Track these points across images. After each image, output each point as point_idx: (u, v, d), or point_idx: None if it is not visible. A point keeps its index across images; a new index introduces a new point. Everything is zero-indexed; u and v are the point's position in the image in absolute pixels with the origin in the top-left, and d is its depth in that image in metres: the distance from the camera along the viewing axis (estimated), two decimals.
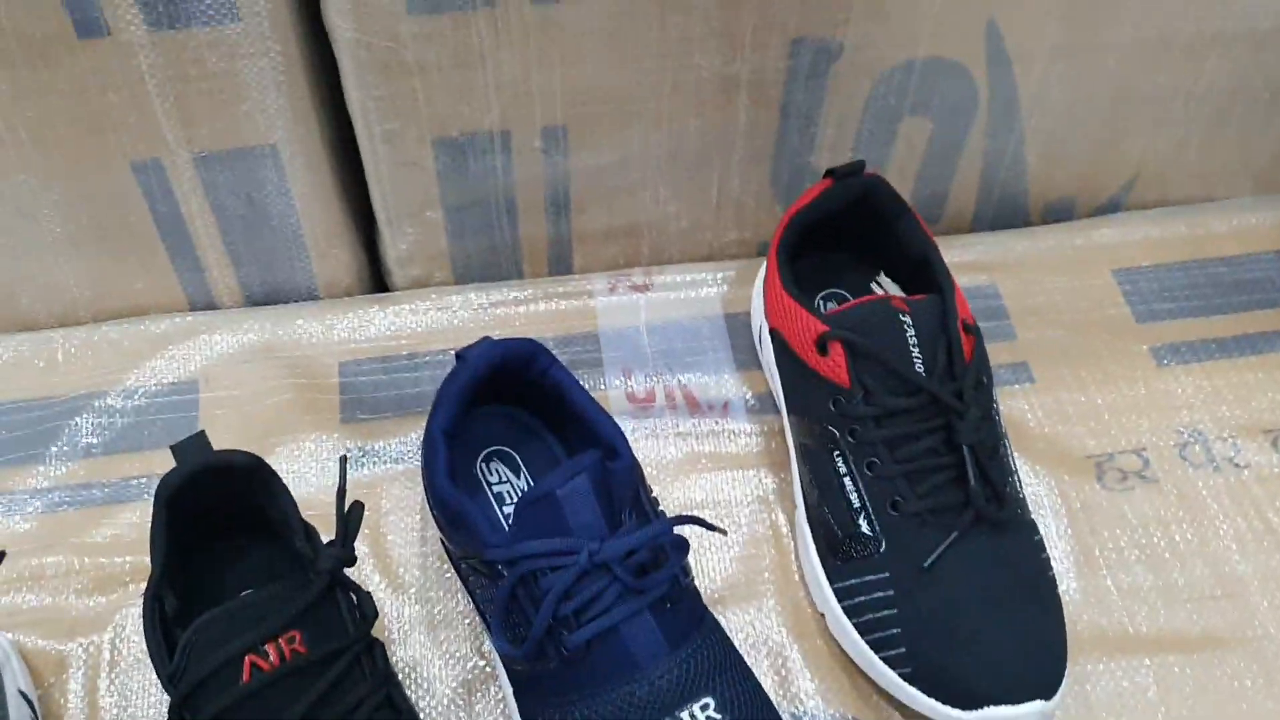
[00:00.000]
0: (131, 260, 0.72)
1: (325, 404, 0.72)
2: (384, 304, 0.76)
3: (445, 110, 0.67)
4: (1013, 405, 0.72)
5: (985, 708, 0.54)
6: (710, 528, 0.58)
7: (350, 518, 0.54)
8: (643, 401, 0.73)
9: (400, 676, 0.61)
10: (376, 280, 0.78)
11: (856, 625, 0.58)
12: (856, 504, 0.59)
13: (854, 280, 0.71)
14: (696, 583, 0.59)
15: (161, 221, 0.70)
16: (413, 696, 0.61)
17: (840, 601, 0.59)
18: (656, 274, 0.78)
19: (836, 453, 0.60)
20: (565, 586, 0.53)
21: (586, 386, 0.72)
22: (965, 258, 0.79)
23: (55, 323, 0.74)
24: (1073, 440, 0.70)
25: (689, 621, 0.56)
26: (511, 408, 0.66)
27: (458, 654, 0.63)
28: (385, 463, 0.69)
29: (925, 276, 0.65)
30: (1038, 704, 0.54)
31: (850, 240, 0.70)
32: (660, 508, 0.59)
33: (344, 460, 0.55)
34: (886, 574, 0.58)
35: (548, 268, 0.78)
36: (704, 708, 0.53)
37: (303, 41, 0.63)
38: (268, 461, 0.56)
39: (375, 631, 0.55)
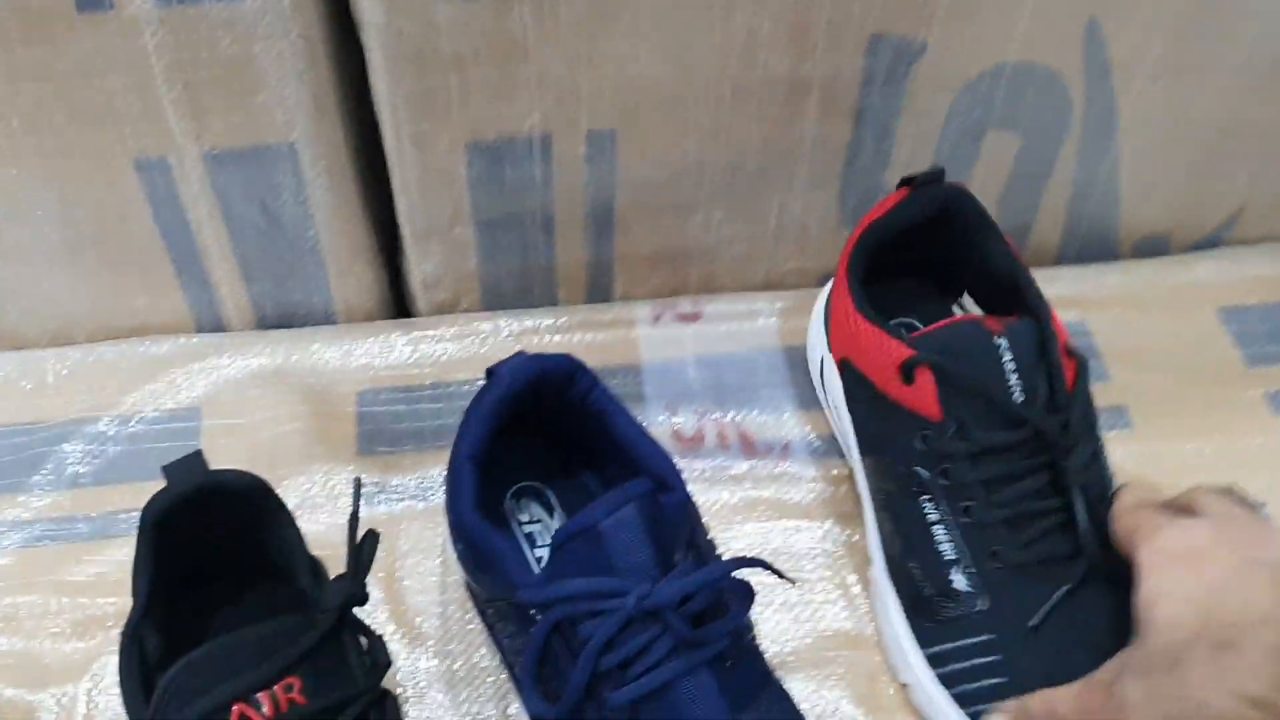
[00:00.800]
0: (133, 273, 0.65)
1: (341, 434, 0.64)
2: (407, 329, 0.69)
3: (482, 110, 0.60)
4: (1110, 454, 0.64)
5: None
6: (780, 575, 0.50)
7: (363, 548, 0.47)
8: (691, 441, 0.65)
9: None
10: (399, 305, 0.72)
11: (955, 696, 0.50)
12: (950, 555, 0.51)
13: (931, 306, 0.64)
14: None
15: (167, 230, 0.63)
16: None
17: (932, 669, 0.51)
18: (706, 303, 0.71)
19: (925, 497, 0.52)
20: (609, 635, 0.45)
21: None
22: (1051, 291, 0.69)
23: (47, 342, 0.68)
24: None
25: (753, 683, 0.47)
26: (545, 439, 0.58)
27: (480, 715, 0.54)
28: (404, 499, 0.62)
29: (1013, 302, 0.57)
30: None
31: (926, 260, 0.63)
32: (719, 553, 0.51)
33: (358, 483, 0.47)
34: (990, 636, 0.49)
35: (586, 294, 0.71)
36: None
37: (327, 26, 0.57)
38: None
39: (387, 684, 0.47)
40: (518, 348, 0.68)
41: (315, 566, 0.48)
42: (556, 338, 0.69)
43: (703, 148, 0.64)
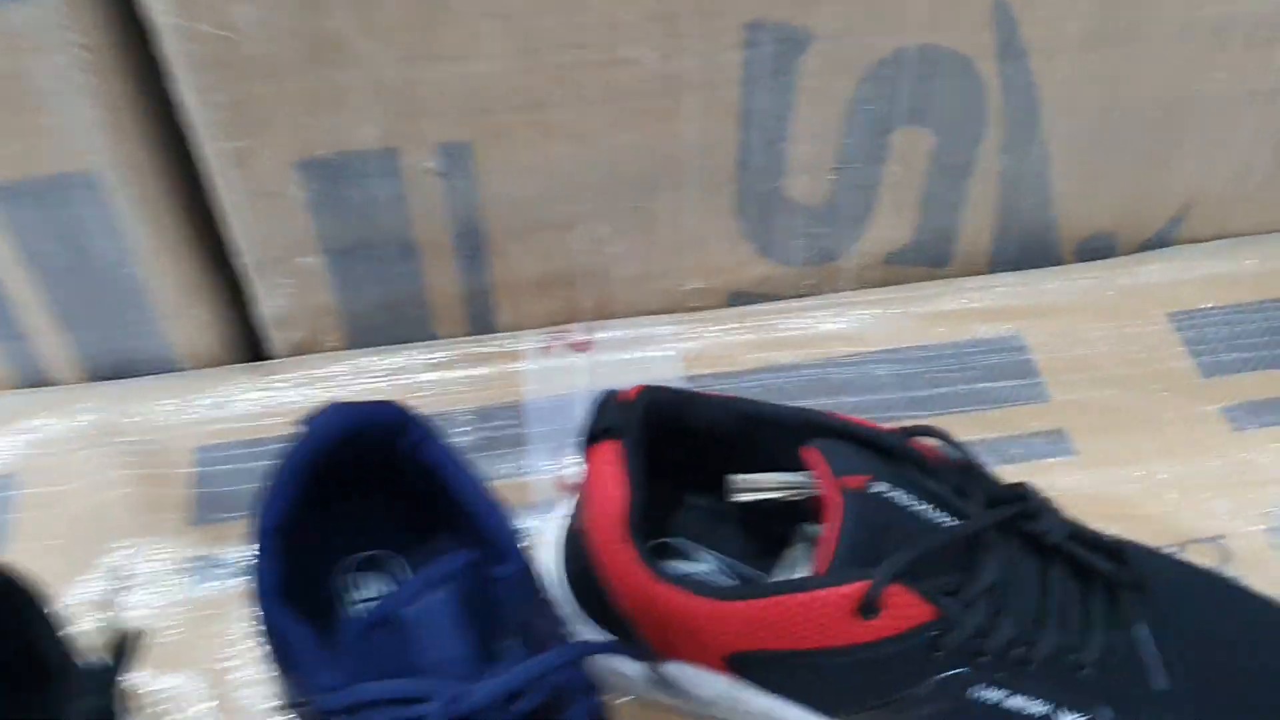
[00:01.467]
0: None
1: (173, 500, 0.57)
2: (255, 375, 0.61)
3: (308, 122, 0.53)
4: (1049, 483, 0.56)
5: None
6: (638, 655, 0.42)
7: (120, 654, 0.39)
8: (576, 489, 0.57)
9: None
10: (253, 348, 0.64)
11: None
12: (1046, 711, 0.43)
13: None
14: None
15: None
16: None
17: None
18: (600, 329, 0.63)
19: (975, 686, 0.42)
20: None
21: (508, 471, 0.58)
22: (981, 302, 0.64)
23: None
24: (1131, 526, 0.54)
25: None
26: (393, 497, 0.50)
27: None
28: (237, 577, 0.54)
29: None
30: None
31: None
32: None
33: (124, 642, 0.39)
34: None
35: (466, 327, 0.64)
36: None
37: (115, 32, 0.50)
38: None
39: None
40: (385, 391, 0.62)
41: (78, 677, 0.40)
42: (430, 376, 0.62)
43: (572, 155, 0.56)
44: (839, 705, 0.44)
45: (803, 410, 0.47)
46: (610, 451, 0.44)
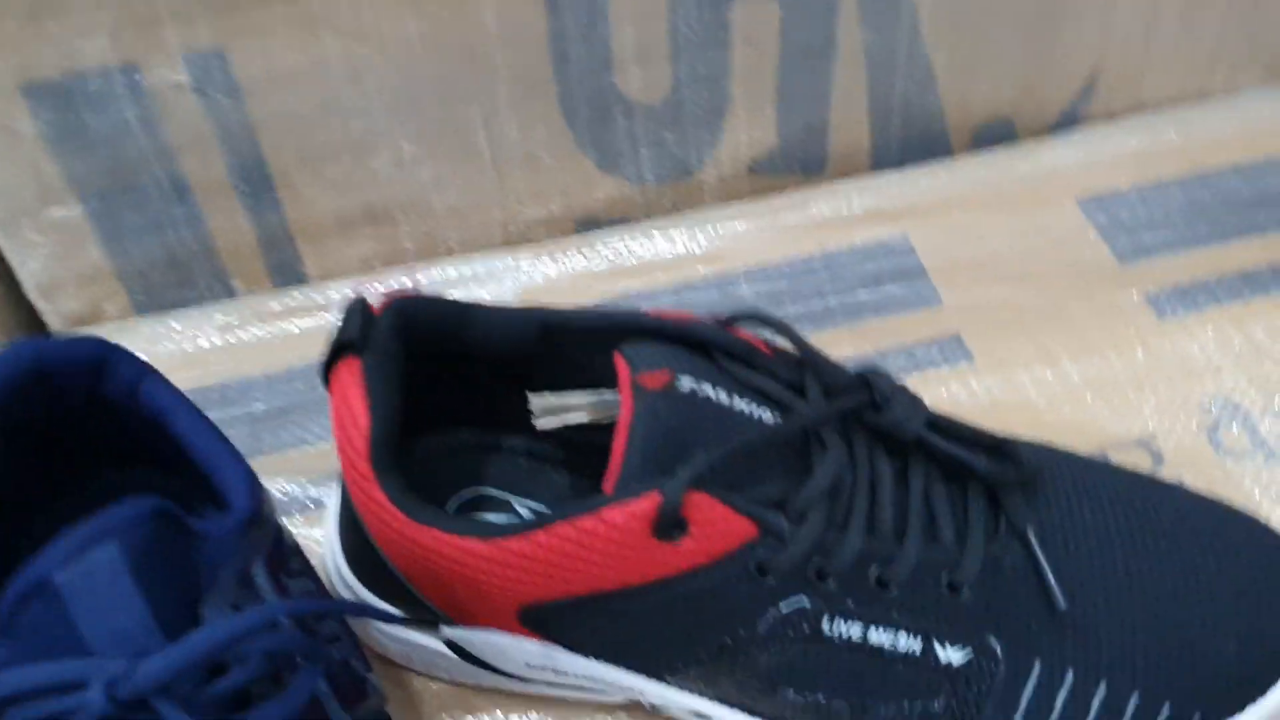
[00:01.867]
0: None
1: None
2: None
3: (26, 37, 0.44)
4: (946, 394, 0.48)
5: None
6: (381, 616, 0.33)
7: None
8: None
9: None
10: (34, 322, 0.55)
11: None
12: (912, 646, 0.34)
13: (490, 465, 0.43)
14: None
15: None
16: None
17: None
18: (426, 271, 0.55)
19: (826, 619, 0.34)
20: None
21: (314, 436, 0.49)
22: (860, 206, 0.55)
23: None
24: (1041, 435, 0.45)
25: None
26: (102, 457, 0.41)
27: None
28: None
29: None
30: None
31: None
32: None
33: None
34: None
35: (269, 278, 0.55)
36: None
37: None
38: None
39: None
40: (174, 360, 0.53)
41: None
42: (228, 339, 0.53)
43: (348, 56, 0.48)
44: (665, 659, 0.35)
45: (608, 312, 0.38)
46: (350, 371, 0.35)
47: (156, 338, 0.53)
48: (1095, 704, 0.34)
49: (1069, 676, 0.34)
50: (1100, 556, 0.35)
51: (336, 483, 0.41)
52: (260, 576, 0.32)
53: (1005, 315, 0.50)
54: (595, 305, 0.51)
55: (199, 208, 0.51)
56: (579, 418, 0.39)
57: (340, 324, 0.36)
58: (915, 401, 0.35)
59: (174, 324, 0.53)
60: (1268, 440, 0.45)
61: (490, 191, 0.54)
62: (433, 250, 0.56)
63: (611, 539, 0.32)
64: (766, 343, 0.37)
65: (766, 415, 0.34)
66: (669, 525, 0.32)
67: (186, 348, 0.53)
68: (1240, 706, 0.35)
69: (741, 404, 0.34)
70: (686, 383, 0.34)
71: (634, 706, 0.40)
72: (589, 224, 0.57)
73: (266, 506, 0.34)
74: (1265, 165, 0.55)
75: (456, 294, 0.54)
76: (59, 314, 0.54)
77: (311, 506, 0.47)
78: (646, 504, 0.31)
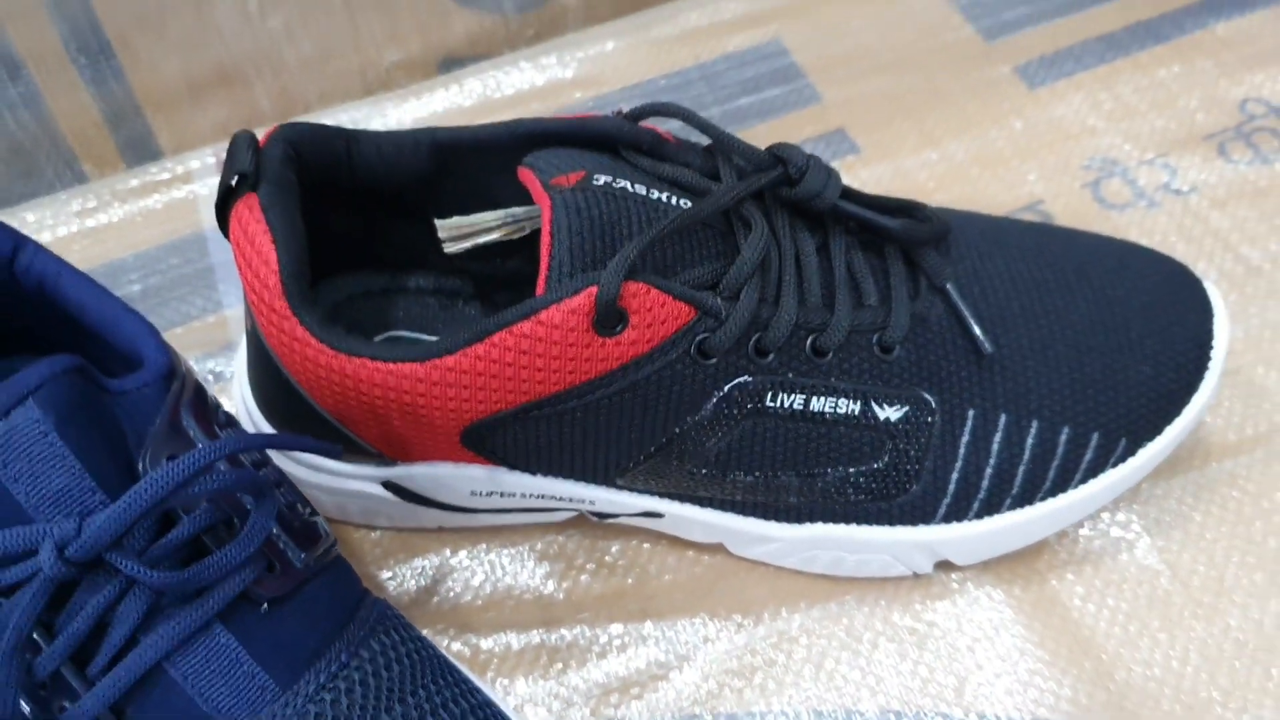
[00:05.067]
0: None
1: None
2: None
3: None
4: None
5: None
6: (323, 451, 0.32)
7: None
8: None
9: None
10: None
11: None
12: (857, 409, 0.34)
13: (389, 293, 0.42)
14: None
15: None
16: None
17: None
18: None
19: (769, 394, 0.34)
20: (31, 618, 0.27)
21: (199, 310, 0.47)
22: (727, 13, 0.54)
23: None
24: None
25: (320, 623, 0.30)
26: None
27: None
28: None
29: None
30: None
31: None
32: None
33: None
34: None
35: (122, 158, 0.52)
36: None
37: None
38: None
39: None
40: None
41: None
42: (86, 223, 0.50)
43: None
44: (617, 459, 0.35)
45: (506, 123, 0.37)
46: (249, 207, 0.33)
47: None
48: (1029, 443, 0.36)
49: (1002, 419, 0.35)
50: (1018, 301, 0.36)
51: (242, 340, 0.39)
52: (191, 428, 0.31)
53: (884, 105, 0.51)
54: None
55: (35, 85, 0.48)
56: (489, 237, 0.38)
57: (227, 160, 0.34)
58: (829, 171, 0.35)
59: (28, 216, 0.50)
60: (1146, 189, 0.47)
61: (345, 38, 0.52)
62: (290, 108, 0.53)
63: (552, 340, 0.31)
64: (672, 134, 0.36)
65: (685, 204, 0.34)
66: (608, 318, 0.31)
67: (45, 238, 0.49)
68: (1159, 429, 0.37)
69: (658, 194, 0.34)
70: (601, 179, 0.33)
71: (580, 521, 0.40)
72: (451, 64, 0.55)
73: (177, 359, 0.33)
74: None
75: None
76: None
77: (211, 379, 0.45)
78: (584, 299, 0.31)
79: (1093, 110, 0.49)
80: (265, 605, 0.29)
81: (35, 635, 0.27)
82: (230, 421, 0.33)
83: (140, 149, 0.51)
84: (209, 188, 0.50)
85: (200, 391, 0.33)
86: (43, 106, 0.48)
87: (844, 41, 0.53)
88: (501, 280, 0.41)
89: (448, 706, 0.31)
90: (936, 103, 0.50)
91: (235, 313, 0.47)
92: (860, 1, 0.54)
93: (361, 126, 0.52)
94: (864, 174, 0.48)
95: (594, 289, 0.31)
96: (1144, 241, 0.45)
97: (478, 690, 0.32)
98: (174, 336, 0.46)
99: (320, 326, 0.33)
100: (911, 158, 0.49)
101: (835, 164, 0.49)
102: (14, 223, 0.50)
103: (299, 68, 0.52)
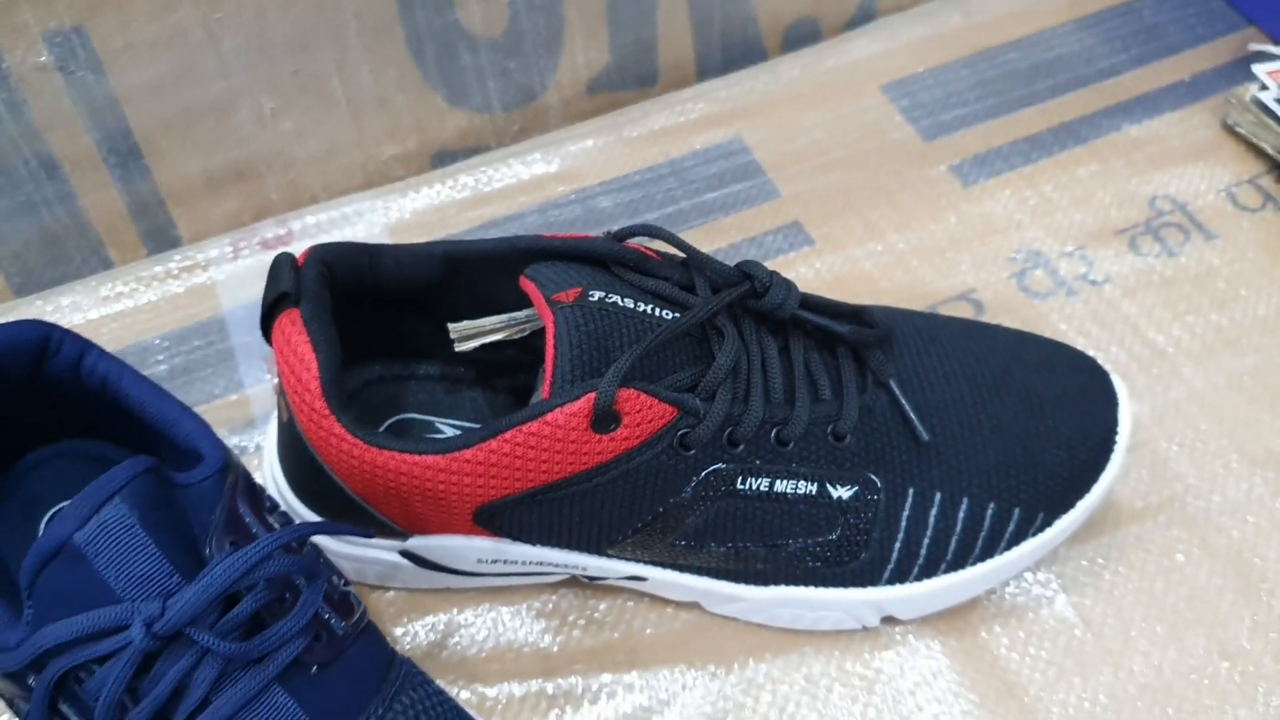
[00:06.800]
0: None
1: None
2: None
3: None
4: (795, 276, 0.54)
5: None
6: (358, 533, 0.37)
7: None
8: None
9: None
10: None
11: None
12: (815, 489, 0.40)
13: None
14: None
15: None
16: None
17: None
18: (295, 220, 0.57)
19: (739, 478, 0.40)
20: (122, 684, 0.32)
21: (220, 390, 0.52)
22: (695, 113, 0.60)
23: None
24: (881, 300, 0.52)
25: (360, 683, 0.35)
26: (90, 442, 0.44)
27: None
28: None
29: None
30: None
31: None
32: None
33: None
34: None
35: (144, 245, 0.57)
36: None
37: None
38: None
39: None
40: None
41: None
42: (112, 309, 0.55)
43: (203, 22, 0.50)
44: (606, 535, 0.40)
45: (508, 239, 0.43)
46: (291, 320, 0.39)
47: (44, 316, 0.54)
48: (960, 517, 0.41)
49: (937, 497, 0.41)
50: (950, 394, 0.42)
51: (266, 417, 0.44)
52: (247, 516, 0.36)
53: (835, 198, 0.56)
54: (494, 235, 0.55)
55: (70, 184, 0.53)
56: (494, 337, 0.43)
57: (270, 280, 0.40)
58: (789, 285, 0.41)
59: (62, 300, 0.54)
60: (1066, 279, 0.53)
61: (348, 136, 0.57)
62: (298, 199, 0.58)
63: (555, 437, 0.37)
64: (654, 251, 0.42)
65: (666, 314, 0.40)
66: (604, 419, 0.37)
67: (76, 320, 0.54)
68: (1071, 504, 0.43)
69: (644, 306, 0.39)
70: (596, 294, 0.39)
71: (572, 582, 0.45)
72: (444, 158, 0.60)
73: (230, 454, 0.38)
74: (1038, 38, 0.62)
75: (325, 239, 0.57)
76: None
77: (237, 454, 0.50)
78: (584, 404, 0.36)
79: (1019, 206, 0.56)
80: (315, 669, 0.34)
81: (124, 698, 0.32)
82: (274, 506, 0.39)
83: (161, 238, 0.56)
84: (225, 273, 0.55)
85: (249, 481, 0.38)
86: (75, 201, 0.53)
87: (797, 139, 0.59)
88: (499, 367, 0.47)
89: None
90: (880, 198, 0.56)
91: (255, 391, 0.51)
92: (811, 103, 0.60)
93: (363, 216, 0.57)
94: (818, 264, 0.54)
95: (593, 395, 0.36)
96: (1062, 326, 0.52)
97: None
98: (200, 413, 0.51)
99: (354, 423, 0.38)
100: (859, 248, 0.55)
101: (793, 254, 0.55)
102: (50, 306, 0.54)
103: (306, 163, 0.57)
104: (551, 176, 0.58)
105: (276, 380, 0.42)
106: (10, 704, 0.38)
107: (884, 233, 0.55)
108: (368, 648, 0.37)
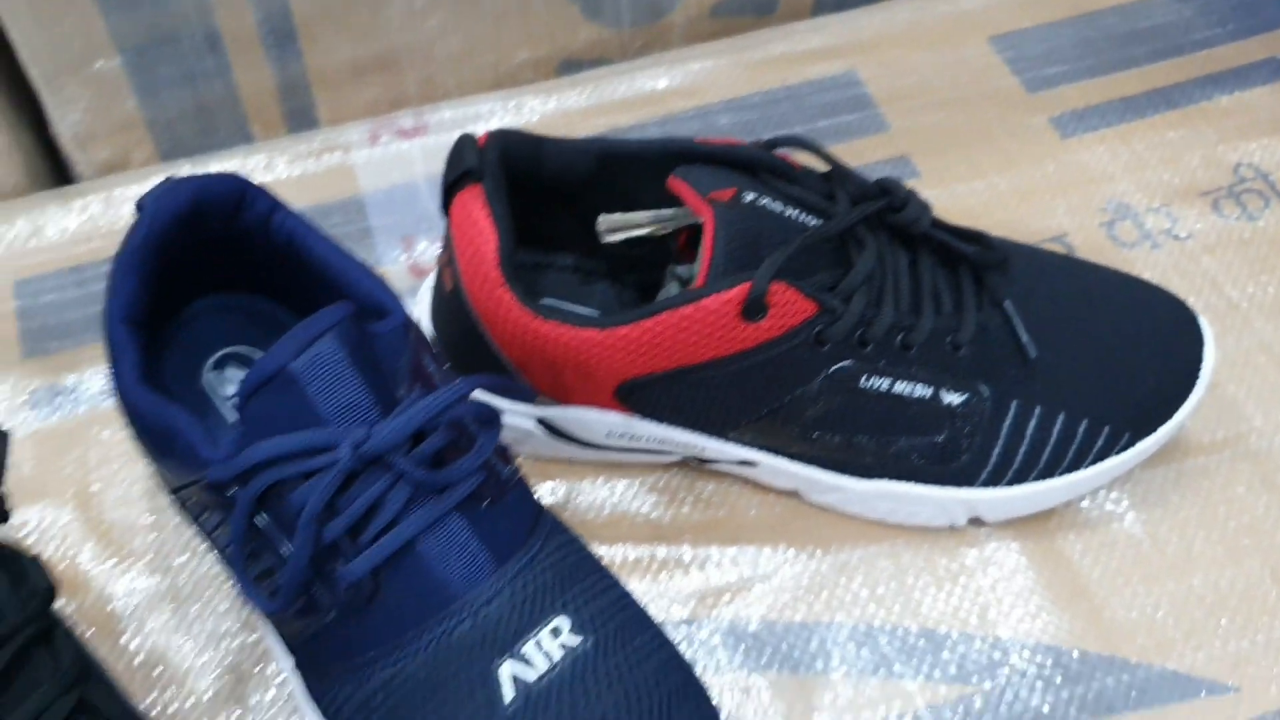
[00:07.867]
0: None
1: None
2: (67, 199, 0.57)
3: None
4: None
5: None
6: (519, 395, 0.41)
7: None
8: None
9: (142, 671, 0.44)
10: (58, 171, 0.59)
11: None
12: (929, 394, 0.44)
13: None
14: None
15: None
16: (160, 698, 0.43)
17: None
18: (430, 113, 0.61)
19: (864, 376, 0.44)
20: (326, 497, 0.36)
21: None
22: (811, 44, 0.63)
23: None
24: None
25: (519, 522, 0.39)
26: (250, 295, 0.48)
27: (217, 631, 0.45)
28: (87, 401, 0.51)
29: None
30: None
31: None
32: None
33: None
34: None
35: (285, 125, 0.60)
36: (556, 632, 0.37)
37: None
38: None
39: (91, 616, 0.37)
40: None
41: None
42: (261, 179, 0.58)
43: None
44: (733, 418, 0.44)
45: (661, 141, 0.46)
46: (474, 195, 0.42)
47: None
48: (1055, 429, 0.45)
49: (1037, 410, 0.45)
50: (1056, 318, 0.46)
51: (428, 291, 0.48)
52: (430, 366, 0.40)
53: (942, 137, 0.60)
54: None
55: (228, 59, 0.56)
56: (641, 231, 0.47)
57: (452, 158, 0.43)
58: (924, 203, 0.44)
59: (194, 170, 0.58)
60: (1151, 232, 0.57)
61: (486, 37, 0.60)
62: (432, 94, 0.62)
63: (707, 322, 0.41)
64: (797, 163, 0.46)
65: (809, 220, 0.43)
66: (754, 308, 0.41)
67: None
68: (1154, 427, 0.47)
69: (790, 211, 0.43)
70: (749, 196, 0.42)
71: (683, 465, 0.49)
72: (570, 66, 0.63)
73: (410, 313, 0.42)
74: (1139, 6, 0.65)
75: (458, 133, 0.61)
76: (90, 163, 0.58)
77: None
78: (738, 292, 0.40)
79: (1112, 160, 0.59)
80: (486, 503, 0.38)
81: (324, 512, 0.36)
82: (445, 361, 0.42)
83: (301, 118, 0.60)
84: (364, 158, 0.59)
85: (424, 338, 0.42)
86: (230, 77, 0.57)
87: (909, 78, 0.62)
88: (629, 263, 0.51)
89: (606, 591, 0.40)
90: (984, 140, 0.60)
91: (393, 270, 0.55)
92: (923, 46, 0.64)
93: (495, 114, 0.61)
94: (924, 195, 0.57)
95: (748, 285, 0.40)
96: (1146, 274, 0.55)
97: (619, 583, 0.42)
98: None
99: (525, 295, 0.42)
100: (961, 185, 0.58)
101: None
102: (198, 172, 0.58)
103: (444, 60, 0.60)
104: (673, 92, 0.62)
105: (441, 252, 0.46)
106: (195, 517, 0.42)
107: (986, 172, 0.59)
108: (523, 495, 0.41)
